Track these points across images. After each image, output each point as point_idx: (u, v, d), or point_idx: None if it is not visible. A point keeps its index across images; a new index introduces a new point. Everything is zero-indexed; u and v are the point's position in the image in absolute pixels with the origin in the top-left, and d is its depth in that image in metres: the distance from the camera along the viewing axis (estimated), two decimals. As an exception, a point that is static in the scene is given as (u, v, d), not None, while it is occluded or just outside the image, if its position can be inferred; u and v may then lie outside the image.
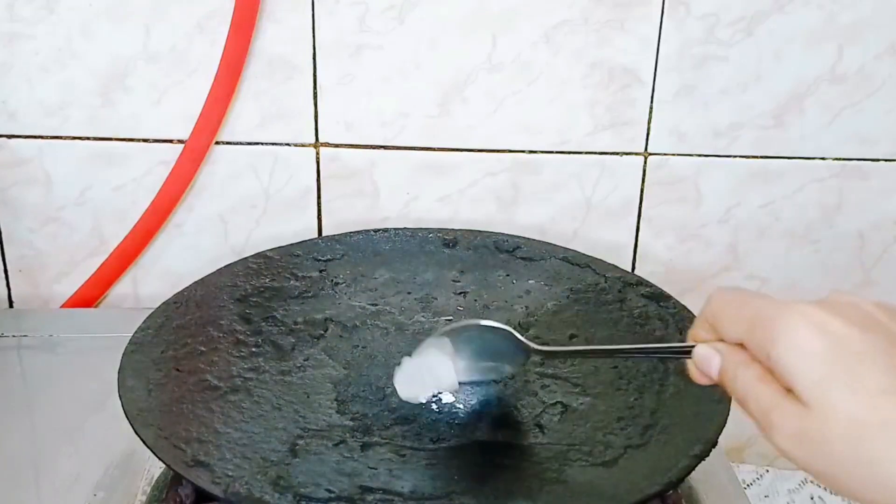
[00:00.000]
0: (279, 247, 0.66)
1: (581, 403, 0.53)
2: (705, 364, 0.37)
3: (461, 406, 0.53)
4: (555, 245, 0.67)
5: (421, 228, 0.68)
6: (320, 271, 0.65)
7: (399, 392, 0.52)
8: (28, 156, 0.70)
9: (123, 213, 0.71)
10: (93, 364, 0.63)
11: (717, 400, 0.50)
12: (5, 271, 0.73)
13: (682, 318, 0.58)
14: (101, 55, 0.68)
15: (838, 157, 0.71)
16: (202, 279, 0.62)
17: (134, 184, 0.71)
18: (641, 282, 0.62)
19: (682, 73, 0.69)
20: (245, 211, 0.72)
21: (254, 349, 0.57)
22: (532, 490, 0.45)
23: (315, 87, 0.69)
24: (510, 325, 0.60)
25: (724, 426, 0.48)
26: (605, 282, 0.63)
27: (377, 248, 0.67)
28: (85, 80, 0.68)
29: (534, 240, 0.67)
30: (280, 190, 0.72)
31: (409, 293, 0.64)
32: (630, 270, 0.71)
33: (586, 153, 0.71)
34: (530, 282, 0.64)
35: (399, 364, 0.55)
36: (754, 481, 0.78)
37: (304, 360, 0.57)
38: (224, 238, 0.73)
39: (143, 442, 0.46)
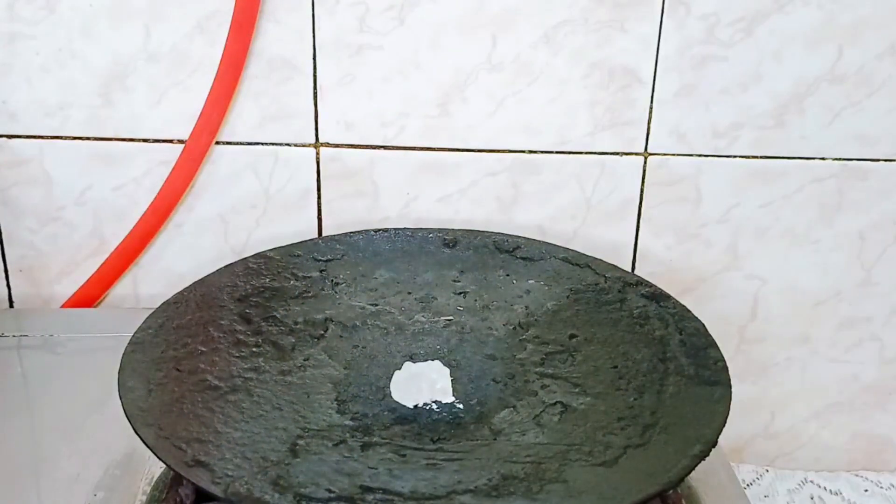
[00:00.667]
0: (279, 247, 0.66)
1: (581, 403, 0.53)
2: None
3: (461, 406, 0.53)
4: (555, 245, 0.67)
5: (421, 228, 0.68)
6: (320, 271, 0.65)
7: (393, 394, 0.53)
8: (28, 156, 0.70)
9: (123, 213, 0.71)
10: (93, 364, 0.63)
11: (717, 400, 0.50)
12: (5, 271, 0.73)
13: (682, 318, 0.58)
14: (101, 55, 0.68)
15: (838, 157, 0.71)
16: (202, 279, 0.62)
17: (134, 184, 0.71)
18: (641, 282, 0.62)
19: (682, 73, 0.69)
20: (245, 211, 0.72)
21: (254, 349, 0.57)
22: (532, 490, 0.45)
23: (315, 87, 0.69)
24: (510, 325, 0.60)
25: (724, 426, 0.48)
26: (605, 282, 0.63)
27: (377, 248, 0.67)
28: (85, 80, 0.68)
29: (534, 240, 0.67)
30: (280, 190, 0.72)
31: (409, 293, 0.64)
32: (630, 270, 0.71)
33: (586, 153, 0.71)
34: (530, 282, 0.64)
35: (399, 368, 0.55)
36: (754, 481, 0.78)
37: (304, 360, 0.57)
38: (224, 238, 0.73)
39: (143, 442, 0.46)
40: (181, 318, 0.58)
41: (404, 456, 0.48)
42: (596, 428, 0.50)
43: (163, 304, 0.58)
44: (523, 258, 0.66)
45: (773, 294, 0.75)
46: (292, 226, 0.73)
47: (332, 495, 0.44)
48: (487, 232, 0.68)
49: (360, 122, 0.70)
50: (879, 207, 0.73)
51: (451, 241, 0.67)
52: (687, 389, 0.52)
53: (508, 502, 0.44)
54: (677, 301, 0.60)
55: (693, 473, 0.46)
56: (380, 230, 0.68)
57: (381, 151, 0.71)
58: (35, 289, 0.74)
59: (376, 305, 0.62)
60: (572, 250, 0.66)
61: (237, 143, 0.70)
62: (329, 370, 0.56)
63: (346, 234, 0.67)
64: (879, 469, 0.81)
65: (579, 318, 0.61)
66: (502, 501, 0.45)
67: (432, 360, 0.57)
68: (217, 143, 0.70)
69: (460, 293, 0.64)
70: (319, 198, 0.72)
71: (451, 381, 0.55)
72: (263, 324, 0.59)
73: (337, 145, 0.71)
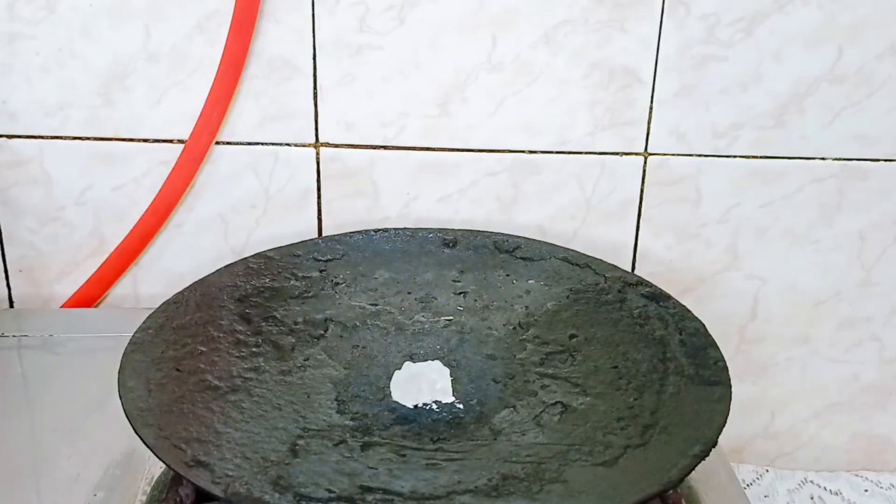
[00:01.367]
0: (279, 247, 0.66)
1: (581, 403, 0.53)
2: None
3: (461, 406, 0.53)
4: (555, 245, 0.67)
5: (421, 228, 0.68)
6: (320, 271, 0.65)
7: (393, 394, 0.53)
8: (28, 156, 0.70)
9: (123, 213, 0.71)
10: (93, 364, 0.63)
11: (717, 400, 0.50)
12: (5, 271, 0.73)
13: (682, 318, 0.58)
14: (101, 55, 0.68)
15: (838, 157, 0.71)
16: (202, 279, 0.62)
17: (134, 184, 0.71)
18: (641, 282, 0.62)
19: (682, 73, 0.69)
20: (245, 211, 0.72)
21: (254, 349, 0.57)
22: (532, 490, 0.45)
23: (315, 87, 0.69)
24: (510, 325, 0.60)
25: (724, 426, 0.48)
26: (605, 282, 0.63)
27: (377, 248, 0.67)
28: (85, 80, 0.68)
29: (534, 240, 0.67)
30: (280, 190, 0.72)
31: (409, 293, 0.64)
32: (630, 270, 0.71)
33: (586, 153, 0.71)
34: (530, 282, 0.64)
35: (399, 368, 0.55)
36: (754, 481, 0.78)
37: (304, 360, 0.57)
38: (224, 238, 0.73)
39: (143, 442, 0.46)
40: (181, 318, 0.58)
41: (404, 456, 0.48)
42: (596, 428, 0.50)
43: (163, 304, 0.58)
44: (523, 258, 0.66)
45: (773, 294, 0.75)
46: (292, 226, 0.73)
47: (332, 495, 0.44)
48: (487, 232, 0.68)
49: (360, 122, 0.70)
50: (879, 207, 0.73)
51: (451, 241, 0.67)
52: (687, 389, 0.52)
53: (508, 502, 0.44)
54: (677, 301, 0.60)
55: (693, 473, 0.46)
56: (380, 230, 0.68)
57: (381, 151, 0.71)
58: (35, 289, 0.74)
59: (376, 305, 0.62)
60: (572, 250, 0.66)
61: (237, 143, 0.70)
62: (329, 370, 0.56)
63: (346, 234, 0.67)
64: (879, 469, 0.81)
65: (579, 318, 0.61)
66: (502, 501, 0.45)
67: (432, 360, 0.57)
68: (217, 143, 0.70)
69: (460, 293, 0.64)
70: (319, 198, 0.72)
71: (451, 381, 0.55)
72: (263, 324, 0.59)
73: (337, 145, 0.71)
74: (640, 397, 0.53)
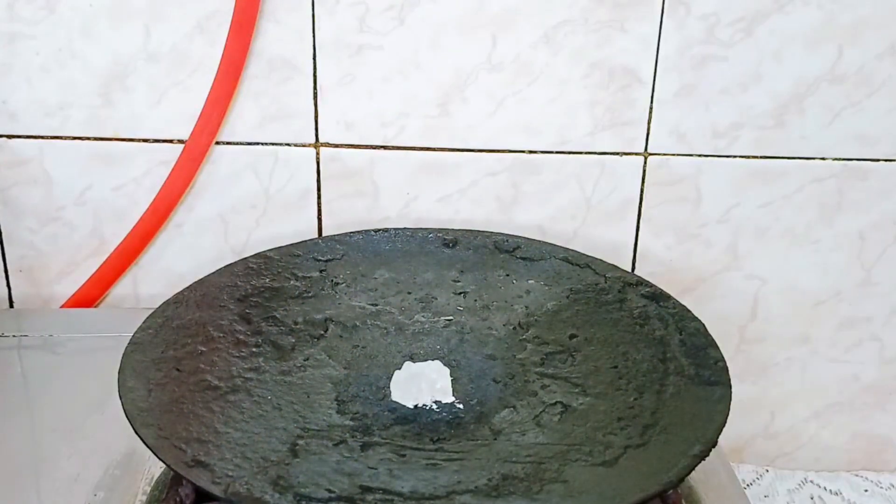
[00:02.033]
0: (279, 247, 0.66)
1: (581, 403, 0.53)
2: None
3: (461, 406, 0.53)
4: (555, 245, 0.67)
5: (421, 228, 0.68)
6: (320, 271, 0.65)
7: (393, 394, 0.53)
8: (28, 156, 0.70)
9: (123, 213, 0.71)
10: (93, 364, 0.63)
11: (717, 400, 0.50)
12: (5, 271, 0.73)
13: (682, 318, 0.58)
14: (101, 55, 0.68)
15: (838, 157, 0.71)
16: (202, 279, 0.62)
17: (134, 184, 0.71)
18: (641, 282, 0.62)
19: (682, 73, 0.69)
20: (245, 211, 0.72)
21: (254, 349, 0.57)
22: (532, 490, 0.45)
23: (315, 87, 0.69)
24: (510, 325, 0.60)
25: (724, 426, 0.48)
26: (605, 282, 0.63)
27: (377, 248, 0.67)
28: (85, 80, 0.68)
29: (534, 240, 0.67)
30: (280, 190, 0.72)
31: (409, 293, 0.64)
32: (630, 270, 0.71)
33: (586, 153, 0.71)
34: (530, 282, 0.64)
35: (399, 368, 0.55)
36: (754, 481, 0.78)
37: (304, 360, 0.57)
38: (224, 238, 0.73)
39: (143, 442, 0.46)
40: (181, 318, 0.58)
41: (404, 456, 0.48)
42: (596, 428, 0.50)
43: (163, 304, 0.58)
44: (523, 258, 0.66)
45: (773, 294, 0.75)
46: (292, 226, 0.73)
47: (332, 495, 0.44)
48: (487, 232, 0.68)
49: (360, 122, 0.70)
50: (879, 207, 0.73)
51: (451, 241, 0.67)
52: (687, 389, 0.52)
53: (508, 502, 0.44)
54: (677, 301, 0.60)
55: (693, 473, 0.46)
56: (380, 230, 0.68)
57: (381, 151, 0.71)
58: (35, 289, 0.74)
59: (376, 305, 0.62)
60: (572, 250, 0.66)
61: (237, 143, 0.70)
62: (329, 370, 0.56)
63: (346, 234, 0.67)
64: (879, 469, 0.81)
65: (579, 318, 0.61)
66: (502, 501, 0.45)
67: (432, 360, 0.57)
68: (217, 143, 0.70)
69: (460, 293, 0.64)
70: (319, 198, 0.72)
71: (451, 381, 0.55)
72: (263, 324, 0.59)
73: (337, 145, 0.71)
74: (640, 397, 0.53)
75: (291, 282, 0.63)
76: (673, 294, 0.61)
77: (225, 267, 0.63)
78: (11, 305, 0.75)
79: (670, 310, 0.59)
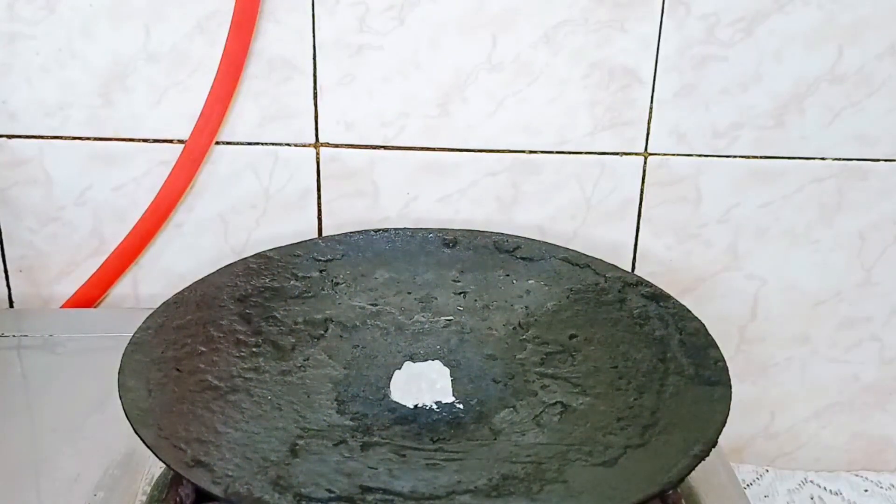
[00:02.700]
0: (279, 247, 0.66)
1: (581, 403, 0.53)
2: None
3: (461, 406, 0.53)
4: (555, 245, 0.67)
5: (421, 228, 0.68)
6: (320, 271, 0.65)
7: (393, 394, 0.53)
8: (28, 156, 0.70)
9: (123, 213, 0.71)
10: (93, 364, 0.63)
11: (717, 400, 0.50)
12: (5, 271, 0.73)
13: (682, 318, 0.58)
14: (101, 55, 0.68)
15: (838, 157, 0.71)
16: (202, 279, 0.62)
17: (134, 184, 0.71)
18: (641, 282, 0.62)
19: (682, 73, 0.69)
20: (245, 211, 0.72)
21: (254, 349, 0.57)
22: (532, 490, 0.45)
23: (315, 87, 0.69)
24: (510, 325, 0.60)
25: (724, 426, 0.48)
26: (605, 282, 0.63)
27: (377, 248, 0.67)
28: (85, 80, 0.68)
29: (534, 240, 0.67)
30: (280, 190, 0.72)
31: (409, 293, 0.64)
32: (630, 270, 0.71)
33: (586, 153, 0.71)
34: (530, 282, 0.64)
35: (399, 368, 0.55)
36: (754, 481, 0.78)
37: (304, 360, 0.57)
38: (224, 238, 0.73)
39: (143, 442, 0.46)
40: (181, 318, 0.58)
41: (404, 456, 0.48)
42: (596, 428, 0.50)
43: (163, 304, 0.58)
44: (523, 258, 0.66)
45: (773, 294, 0.75)
46: (292, 226, 0.73)
47: (332, 495, 0.44)
48: (487, 232, 0.68)
49: (360, 122, 0.70)
50: (879, 207, 0.73)
51: (451, 241, 0.67)
52: (687, 389, 0.52)
53: (508, 502, 0.45)
54: (677, 301, 0.60)
55: (693, 473, 0.46)
56: (380, 230, 0.68)
57: (381, 151, 0.71)
58: (35, 289, 0.74)
59: (376, 305, 0.62)
60: (572, 250, 0.66)
61: (237, 143, 0.70)
62: (329, 370, 0.56)
63: (346, 234, 0.67)
64: (879, 469, 0.81)
65: (579, 318, 0.61)
66: (502, 501, 0.45)
67: (432, 360, 0.57)
68: (217, 143, 0.70)
69: (460, 293, 0.64)
70: (319, 198, 0.72)
71: (451, 381, 0.55)
72: (263, 324, 0.59)
73: (337, 145, 0.71)
74: (640, 397, 0.53)
75: (291, 282, 0.63)
76: (673, 294, 0.61)
77: (225, 267, 0.63)
78: (11, 305, 0.74)
79: (670, 310, 0.59)
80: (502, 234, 0.68)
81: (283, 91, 0.69)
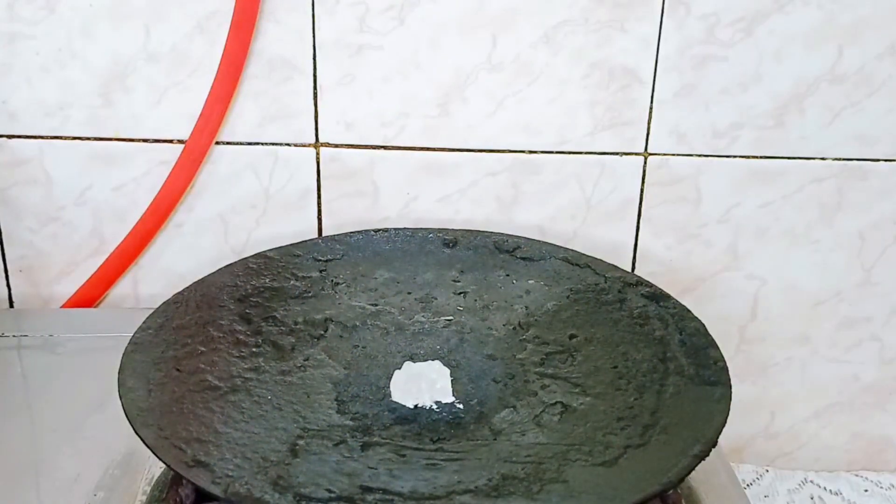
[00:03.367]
0: (279, 247, 0.66)
1: (581, 403, 0.53)
2: None
3: (461, 406, 0.53)
4: (555, 245, 0.67)
5: (421, 228, 0.68)
6: (320, 271, 0.65)
7: (393, 394, 0.53)
8: (28, 156, 0.70)
9: (123, 213, 0.71)
10: (93, 364, 0.63)
11: (717, 400, 0.50)
12: (5, 271, 0.73)
13: (682, 318, 0.58)
14: (101, 55, 0.68)
15: (838, 157, 0.71)
16: (202, 279, 0.62)
17: (134, 184, 0.71)
18: (641, 282, 0.62)
19: (682, 73, 0.69)
20: (245, 211, 0.72)
21: (254, 349, 0.57)
22: (532, 490, 0.45)
23: (315, 87, 0.69)
24: (510, 326, 0.60)
25: (724, 426, 0.48)
26: (605, 282, 0.63)
27: (377, 248, 0.67)
28: (85, 80, 0.68)
29: (534, 240, 0.67)
30: (280, 190, 0.72)
31: (409, 293, 0.64)
32: (630, 270, 0.71)
33: (586, 153, 0.71)
34: (530, 282, 0.64)
35: (399, 368, 0.55)
36: (754, 481, 0.78)
37: (304, 360, 0.57)
38: (224, 238, 0.73)
39: (143, 442, 0.46)
40: (181, 318, 0.58)
41: (404, 456, 0.48)
42: (596, 428, 0.50)
43: (163, 304, 0.58)
44: (523, 258, 0.66)
45: (773, 294, 0.75)
46: (292, 226, 0.73)
47: (332, 495, 0.44)
48: (487, 232, 0.68)
49: (360, 122, 0.70)
50: (879, 207, 0.73)
51: (451, 241, 0.67)
52: (687, 389, 0.52)
53: (508, 502, 0.44)
54: (677, 301, 0.60)
55: (693, 473, 0.46)
56: (380, 230, 0.68)
57: (381, 151, 0.71)
58: (35, 289, 0.74)
59: (376, 305, 0.62)
60: (572, 250, 0.66)
61: (237, 143, 0.70)
62: (329, 370, 0.56)
63: (346, 234, 0.67)
64: (879, 469, 0.81)
65: (579, 318, 0.61)
66: (502, 501, 0.45)
67: (432, 360, 0.57)
68: (217, 143, 0.70)
69: (460, 293, 0.64)
70: (319, 198, 0.72)
71: (451, 381, 0.55)
72: (263, 324, 0.59)
73: (337, 145, 0.71)
74: (640, 397, 0.53)
75: (291, 282, 0.63)
76: (673, 294, 0.61)
77: (225, 267, 0.63)
78: (11, 305, 0.75)
79: (670, 310, 0.59)
80: (502, 234, 0.68)
81: (283, 91, 0.69)
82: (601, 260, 0.65)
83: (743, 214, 0.73)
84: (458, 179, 0.72)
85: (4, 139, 0.70)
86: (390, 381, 0.55)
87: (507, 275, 0.65)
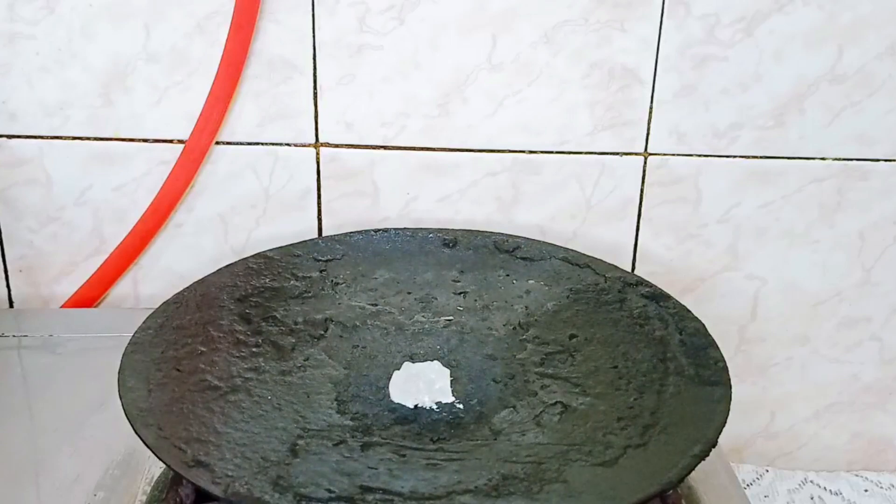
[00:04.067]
0: (279, 247, 0.66)
1: (581, 403, 0.53)
2: None
3: (461, 406, 0.53)
4: (555, 245, 0.67)
5: (421, 228, 0.68)
6: (320, 271, 0.65)
7: (392, 395, 0.53)
8: (28, 156, 0.70)
9: (123, 213, 0.71)
10: (93, 364, 0.63)
11: (717, 400, 0.50)
12: (5, 271, 0.73)
13: (682, 318, 0.58)
14: (101, 55, 0.68)
15: (838, 157, 0.71)
16: (202, 279, 0.62)
17: (134, 184, 0.71)
18: (641, 282, 0.62)
19: (682, 73, 0.69)
20: (245, 211, 0.72)
21: (254, 349, 0.57)
22: (532, 490, 0.45)
23: (315, 87, 0.69)
24: (510, 325, 0.60)
25: (724, 426, 0.48)
26: (605, 282, 0.63)
27: (377, 248, 0.67)
28: (85, 80, 0.68)
29: (534, 240, 0.67)
30: (280, 190, 0.72)
31: (409, 293, 0.64)
32: (630, 270, 0.71)
33: (586, 153, 0.71)
34: (530, 282, 0.64)
35: (399, 368, 0.55)
36: (754, 481, 0.78)
37: (304, 360, 0.57)
38: (224, 238, 0.73)
39: (143, 442, 0.46)
40: (181, 318, 0.58)
41: (404, 456, 0.48)
42: (596, 428, 0.50)
43: (163, 304, 0.58)
44: (523, 258, 0.66)
45: (773, 294, 0.75)
46: (292, 226, 0.73)
47: (332, 495, 0.44)
48: (487, 232, 0.68)
49: (360, 122, 0.70)
50: (879, 207, 0.73)
51: (451, 241, 0.67)
52: (687, 389, 0.52)
53: (508, 502, 0.45)
54: (677, 301, 0.60)
55: (693, 473, 0.46)
56: (380, 230, 0.68)
57: (381, 151, 0.71)
58: (35, 289, 0.74)
59: (376, 305, 0.62)
60: (572, 250, 0.66)
61: (237, 143, 0.70)
62: (329, 370, 0.56)
63: (346, 234, 0.67)
64: (879, 469, 0.81)
65: (579, 318, 0.61)
66: (502, 501, 0.45)
67: (432, 360, 0.57)
68: (217, 143, 0.70)
69: (460, 293, 0.64)
70: (319, 198, 0.72)
71: (451, 381, 0.55)
72: (263, 324, 0.59)
73: (337, 145, 0.71)
74: (640, 397, 0.53)
75: (291, 282, 0.63)
76: (673, 294, 0.61)
77: (225, 267, 0.63)
78: (11, 305, 0.75)
79: (670, 310, 0.59)
80: (502, 234, 0.68)
81: (283, 91, 0.69)
82: (601, 260, 0.65)
83: (743, 214, 0.73)
84: (458, 179, 0.72)
85: (4, 139, 0.70)
86: (390, 381, 0.55)
87: (507, 275, 0.65)
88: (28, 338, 0.67)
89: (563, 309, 0.62)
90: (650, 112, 0.70)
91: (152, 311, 0.58)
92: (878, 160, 0.71)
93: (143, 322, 0.56)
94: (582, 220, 0.73)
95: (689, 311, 0.59)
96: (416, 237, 0.68)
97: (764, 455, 0.81)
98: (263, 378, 0.54)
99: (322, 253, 0.66)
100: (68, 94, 0.69)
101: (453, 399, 0.54)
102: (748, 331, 0.77)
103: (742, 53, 0.68)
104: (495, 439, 0.50)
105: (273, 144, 0.70)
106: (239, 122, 0.70)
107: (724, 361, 0.54)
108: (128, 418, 0.48)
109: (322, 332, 0.59)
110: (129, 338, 0.54)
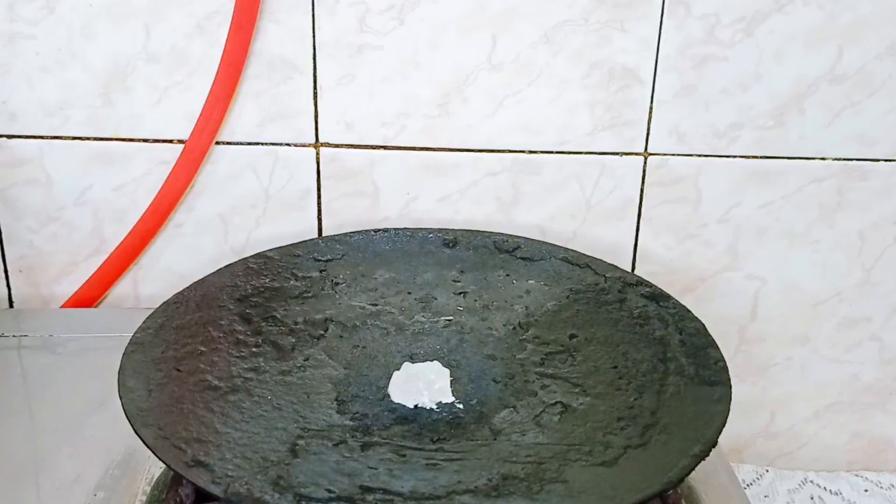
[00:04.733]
0: (279, 247, 0.66)
1: (581, 403, 0.53)
2: None
3: (461, 406, 0.53)
4: (555, 245, 0.67)
5: (421, 228, 0.68)
6: (320, 271, 0.65)
7: (392, 395, 0.53)
8: (28, 156, 0.70)
9: (123, 213, 0.71)
10: (93, 364, 0.63)
11: (717, 400, 0.50)
12: (5, 271, 0.73)
13: (682, 318, 0.58)
14: (101, 55, 0.68)
15: (838, 157, 0.71)
16: (202, 279, 0.62)
17: (134, 184, 0.71)
18: (641, 282, 0.62)
19: (682, 73, 0.69)
20: (245, 211, 0.72)
21: (254, 349, 0.57)
22: (532, 490, 0.45)
23: (315, 87, 0.69)
24: (510, 325, 0.60)
25: (724, 426, 0.48)
26: (605, 282, 0.63)
27: (377, 248, 0.67)
28: (85, 80, 0.68)
29: (534, 240, 0.67)
30: (280, 190, 0.72)
31: (409, 293, 0.64)
32: (630, 270, 0.71)
33: (586, 153, 0.71)
34: (530, 282, 0.64)
35: (399, 368, 0.55)
36: (754, 481, 0.78)
37: (304, 360, 0.57)
38: (224, 238, 0.73)
39: (143, 442, 0.46)
40: (181, 318, 0.58)
41: (404, 456, 0.48)
42: (596, 428, 0.50)
43: (163, 304, 0.58)
44: (523, 258, 0.66)
45: (773, 294, 0.75)
46: (292, 226, 0.73)
47: (332, 495, 0.44)
48: (487, 232, 0.68)
49: (360, 122, 0.70)
50: (879, 207, 0.73)
51: (451, 241, 0.67)
52: (687, 389, 0.52)
53: (508, 502, 0.45)
54: (677, 301, 0.60)
55: (693, 473, 0.46)
56: (380, 230, 0.68)
57: (381, 151, 0.71)
58: (35, 289, 0.74)
59: (376, 305, 0.62)
60: (572, 250, 0.66)
61: (237, 143, 0.70)
62: (329, 370, 0.56)
63: (346, 234, 0.67)
64: (879, 469, 0.81)
65: (579, 318, 0.61)
66: (502, 501, 0.45)
67: (432, 360, 0.57)
68: (217, 143, 0.70)
69: (460, 293, 0.64)
70: (319, 198, 0.72)
71: (451, 381, 0.55)
72: (263, 324, 0.59)
73: (337, 145, 0.71)
74: (640, 397, 0.53)
75: (291, 282, 0.63)
76: (673, 294, 0.61)
77: (225, 267, 0.63)
78: (11, 305, 0.75)
79: (670, 310, 0.59)
80: (502, 234, 0.68)
81: (283, 91, 0.69)
82: (601, 260, 0.65)
83: (743, 214, 0.73)
84: (458, 179, 0.72)
85: (4, 139, 0.70)
86: (390, 381, 0.55)
87: (507, 275, 0.65)
88: (28, 338, 0.67)
89: (563, 309, 0.62)
90: (650, 112, 0.70)
91: (152, 311, 0.58)
92: (878, 160, 0.71)
93: (143, 322, 0.56)
94: (582, 220, 0.73)
95: (689, 311, 0.59)
96: (416, 237, 0.68)
97: (764, 455, 0.81)
98: (263, 378, 0.54)
99: (322, 253, 0.66)
100: (68, 94, 0.69)
101: (453, 399, 0.54)
102: (748, 331, 0.77)
103: (742, 53, 0.68)
104: (495, 439, 0.50)
105: (273, 144, 0.70)
106: (239, 122, 0.70)
107: (724, 361, 0.54)
108: (128, 418, 0.48)
109: (322, 332, 0.59)
110: (129, 338, 0.54)
